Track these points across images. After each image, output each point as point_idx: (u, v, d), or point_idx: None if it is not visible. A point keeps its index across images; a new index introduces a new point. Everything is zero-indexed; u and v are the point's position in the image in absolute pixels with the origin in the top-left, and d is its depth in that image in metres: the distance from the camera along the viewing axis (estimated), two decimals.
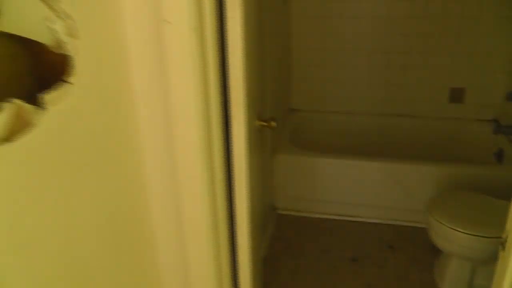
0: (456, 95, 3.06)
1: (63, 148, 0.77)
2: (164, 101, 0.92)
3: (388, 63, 3.05)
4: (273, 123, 1.65)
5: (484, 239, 2.00)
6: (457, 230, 2.05)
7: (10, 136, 0.67)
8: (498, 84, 2.94)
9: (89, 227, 0.85)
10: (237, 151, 1.06)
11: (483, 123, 3.03)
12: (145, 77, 0.90)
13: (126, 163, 0.95)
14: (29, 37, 0.74)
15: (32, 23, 0.74)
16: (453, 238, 2.09)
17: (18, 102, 0.69)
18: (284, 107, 3.14)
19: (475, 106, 3.04)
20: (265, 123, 1.62)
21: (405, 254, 2.54)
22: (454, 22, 2.85)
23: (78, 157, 0.81)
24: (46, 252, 0.75)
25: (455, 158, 3.03)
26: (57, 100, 0.75)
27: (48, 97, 0.73)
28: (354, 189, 2.76)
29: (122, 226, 0.98)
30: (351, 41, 3.04)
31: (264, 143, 2.39)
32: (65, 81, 0.76)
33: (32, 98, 0.72)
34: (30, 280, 0.73)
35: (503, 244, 1.00)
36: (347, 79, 3.16)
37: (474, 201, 2.26)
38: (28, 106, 0.71)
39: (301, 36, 3.09)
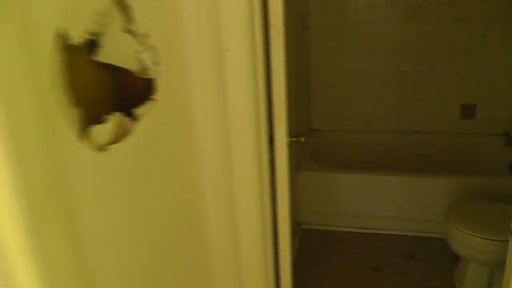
0: (468, 111, 3.22)
1: (149, 149, 0.96)
2: (223, 114, 1.11)
3: (401, 83, 3.24)
4: (302, 138, 1.84)
5: (499, 243, 2.13)
6: (474, 236, 2.19)
7: (116, 139, 0.86)
8: (507, 99, 3.10)
9: (162, 213, 1.04)
10: (279, 156, 1.24)
11: (494, 137, 3.18)
12: (207, 93, 1.10)
13: (188, 163, 1.14)
14: (120, 65, 0.95)
15: (124, 54, 0.94)
16: (471, 243, 2.22)
17: (118, 114, 0.89)
18: (305, 128, 3.33)
19: (486, 121, 3.20)
20: (295, 139, 1.80)
21: (425, 263, 2.66)
22: (463, 43, 3.04)
23: (158, 156, 1.00)
24: (134, 230, 0.94)
25: (469, 171, 3.17)
26: (146, 113, 0.94)
27: (140, 111, 0.93)
28: (374, 202, 2.91)
29: (183, 218, 1.16)
30: (365, 63, 3.25)
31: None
32: (151, 99, 0.96)
33: (129, 111, 0.91)
34: (121, 255, 0.91)
35: (511, 232, 1.15)
36: (363, 99, 3.35)
37: (488, 208, 2.40)
38: (126, 118, 0.90)
39: (319, 60, 3.31)
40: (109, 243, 0.84)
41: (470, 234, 2.20)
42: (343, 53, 3.27)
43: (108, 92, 0.92)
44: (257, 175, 1.20)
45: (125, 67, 0.94)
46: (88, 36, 0.82)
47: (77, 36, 0.76)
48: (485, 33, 2.99)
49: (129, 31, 0.91)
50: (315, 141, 3.37)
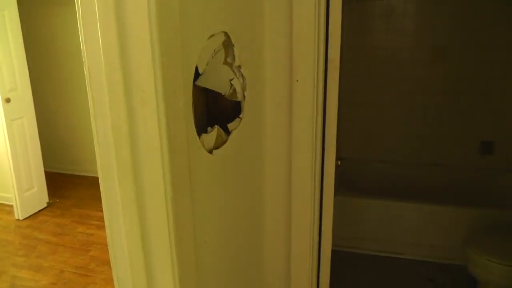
0: (486, 148, 3.41)
1: (237, 155, 1.20)
2: (288, 132, 1.35)
3: (425, 118, 3.46)
4: (339, 162, 2.07)
5: None
6: (493, 262, 2.36)
7: (217, 146, 1.10)
8: None
9: (241, 199, 1.28)
10: (328, 174, 1.47)
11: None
12: (277, 115, 1.34)
13: (259, 170, 1.37)
14: (213, 89, 1.19)
15: (219, 80, 1.19)
16: (490, 269, 2.38)
17: (217, 127, 1.13)
18: None
19: (504, 158, 3.38)
20: None
21: (444, 287, 2.81)
22: (483, 82, 3.27)
23: (241, 161, 1.24)
24: (225, 204, 1.18)
25: (487, 203, 3.33)
26: (235, 128, 1.19)
27: (231, 125, 1.17)
28: (396, 228, 3.08)
29: (251, 208, 1.39)
30: (392, 97, 3.49)
31: None
32: (239, 117, 1.20)
33: (224, 126, 1.16)
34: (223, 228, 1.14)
35: None
36: (389, 131, 3.58)
37: (507, 237, 2.57)
38: (222, 131, 1.14)
39: (349, 92, 3.55)
40: (211, 208, 1.09)
41: (489, 260, 2.37)
42: (372, 87, 3.52)
43: (206, 110, 1.16)
44: (312, 188, 1.42)
45: (219, 91, 1.19)
46: (205, 67, 1.07)
47: (202, 68, 1.01)
48: (503, 75, 3.22)
49: (228, 63, 1.16)
50: (342, 168, 3.58)
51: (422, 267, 3.02)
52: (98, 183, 0.96)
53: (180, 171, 0.89)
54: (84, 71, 0.87)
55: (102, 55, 0.83)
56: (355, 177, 3.63)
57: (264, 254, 1.50)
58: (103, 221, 3.82)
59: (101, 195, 0.95)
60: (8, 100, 3.88)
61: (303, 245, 1.48)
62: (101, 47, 0.82)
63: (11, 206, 4.26)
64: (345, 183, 3.39)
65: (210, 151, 1.07)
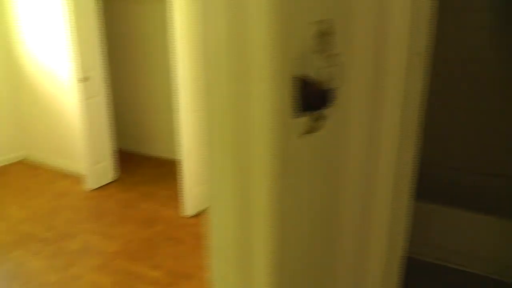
0: None
1: (326, 141, 1.24)
2: (378, 128, 1.37)
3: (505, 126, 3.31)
4: (418, 165, 2.05)
5: None
6: None
7: (309, 131, 1.14)
8: None
9: (325, 188, 1.31)
10: (410, 173, 1.48)
11: None
12: (363, 103, 1.36)
13: (342, 158, 1.39)
14: (310, 76, 1.22)
15: (316, 67, 1.22)
16: None
17: (310, 113, 1.17)
18: None
19: None
20: None
21: None
22: None
23: (329, 148, 1.27)
24: (313, 186, 1.21)
25: None
26: (326, 114, 1.22)
27: (326, 112, 1.21)
28: (466, 240, 2.99)
29: (330, 201, 1.41)
30: (473, 100, 3.35)
31: None
32: (331, 105, 1.23)
33: (318, 112, 1.19)
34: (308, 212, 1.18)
35: None
36: (463, 138, 3.45)
37: None
38: (315, 116, 1.18)
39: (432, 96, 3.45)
40: (298, 189, 1.13)
41: None
42: (449, 90, 3.40)
43: (301, 96, 1.20)
44: (394, 190, 1.43)
45: (315, 78, 1.22)
46: (304, 54, 1.10)
47: (301, 55, 1.05)
48: None
49: (327, 51, 1.19)
50: (421, 172, 3.48)
51: (488, 283, 2.92)
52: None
53: (280, 152, 0.94)
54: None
55: (223, 40, 0.89)
56: (432, 184, 3.56)
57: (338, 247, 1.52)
58: (168, 200, 4.05)
59: (207, 170, 1.01)
60: (86, 79, 4.11)
61: (377, 247, 1.50)
62: (223, 33, 0.88)
63: (82, 176, 4.54)
64: (422, 189, 3.32)
65: (302, 136, 1.11)
